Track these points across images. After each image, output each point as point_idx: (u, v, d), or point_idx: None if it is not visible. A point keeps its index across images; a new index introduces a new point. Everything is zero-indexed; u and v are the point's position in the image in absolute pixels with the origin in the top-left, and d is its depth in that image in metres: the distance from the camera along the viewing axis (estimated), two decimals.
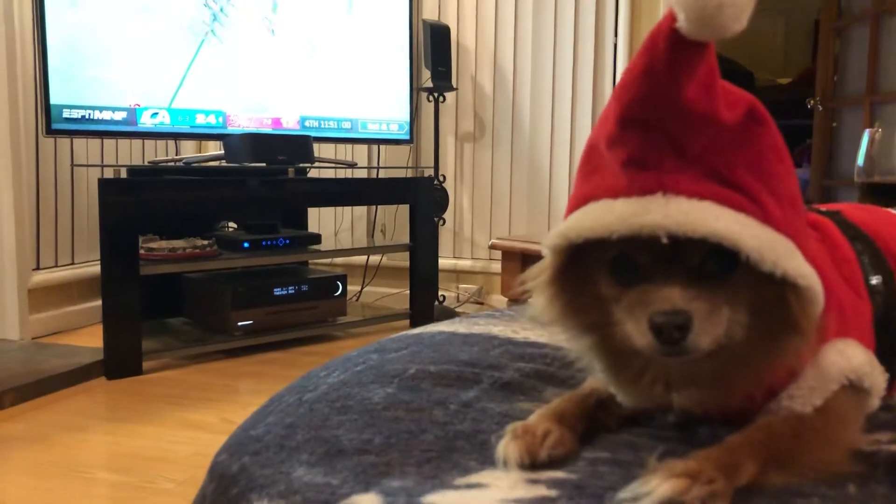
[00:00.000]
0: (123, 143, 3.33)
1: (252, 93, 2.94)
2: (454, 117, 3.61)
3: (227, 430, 0.73)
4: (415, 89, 3.39)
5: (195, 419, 2.09)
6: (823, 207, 0.80)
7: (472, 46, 3.58)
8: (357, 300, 3.66)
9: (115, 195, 2.48)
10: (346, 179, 3.58)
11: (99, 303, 2.59)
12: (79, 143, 3.11)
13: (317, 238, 3.12)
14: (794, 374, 0.61)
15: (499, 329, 1.00)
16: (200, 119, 2.81)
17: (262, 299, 2.83)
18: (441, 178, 3.46)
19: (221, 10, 2.81)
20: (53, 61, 2.47)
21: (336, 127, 3.16)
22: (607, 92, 3.38)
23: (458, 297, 3.61)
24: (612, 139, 0.57)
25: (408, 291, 3.28)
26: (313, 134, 3.03)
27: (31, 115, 2.86)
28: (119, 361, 2.48)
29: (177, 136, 3.04)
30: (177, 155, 3.47)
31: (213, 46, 2.81)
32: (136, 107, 2.66)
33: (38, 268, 2.98)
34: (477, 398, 0.73)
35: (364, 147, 3.63)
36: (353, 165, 3.40)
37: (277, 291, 2.87)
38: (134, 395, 2.32)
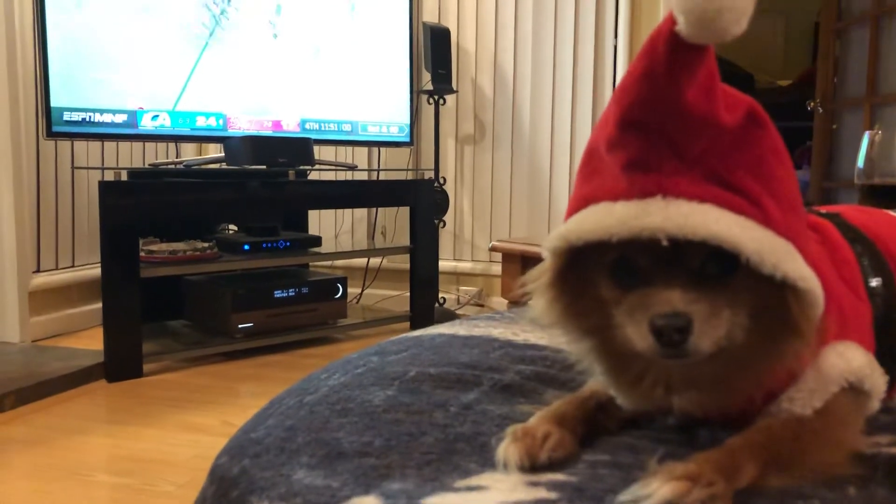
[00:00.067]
0: (124, 145, 3.33)
1: (252, 95, 2.94)
2: (454, 119, 3.62)
3: (227, 433, 0.73)
4: (415, 92, 3.39)
5: (195, 422, 2.09)
6: (823, 209, 0.80)
7: (473, 49, 3.58)
8: (357, 302, 3.66)
9: (115, 198, 2.48)
10: (346, 182, 3.58)
11: (99, 305, 2.59)
12: (79, 145, 3.11)
13: (317, 240, 3.12)
14: (794, 377, 0.61)
15: (499, 331, 1.00)
16: (201, 121, 2.81)
17: (262, 302, 2.83)
18: (441, 181, 3.46)
19: (223, 12, 2.82)
20: (54, 64, 2.47)
21: (336, 129, 3.16)
22: (607, 94, 3.38)
23: (458, 300, 3.61)
24: (612, 142, 0.57)
25: (408, 294, 3.28)
26: (314, 136, 3.04)
27: (31, 118, 2.86)
28: (119, 364, 2.48)
29: (177, 139, 3.04)
30: (177, 157, 3.47)
31: (214, 49, 2.81)
32: (139, 109, 2.66)
33: (38, 270, 2.98)
34: (477, 400, 0.73)
35: (364, 149, 3.63)
36: (353, 168, 3.40)
37: (278, 294, 2.87)
38: (134, 398, 2.32)
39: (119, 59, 2.64)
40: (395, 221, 3.64)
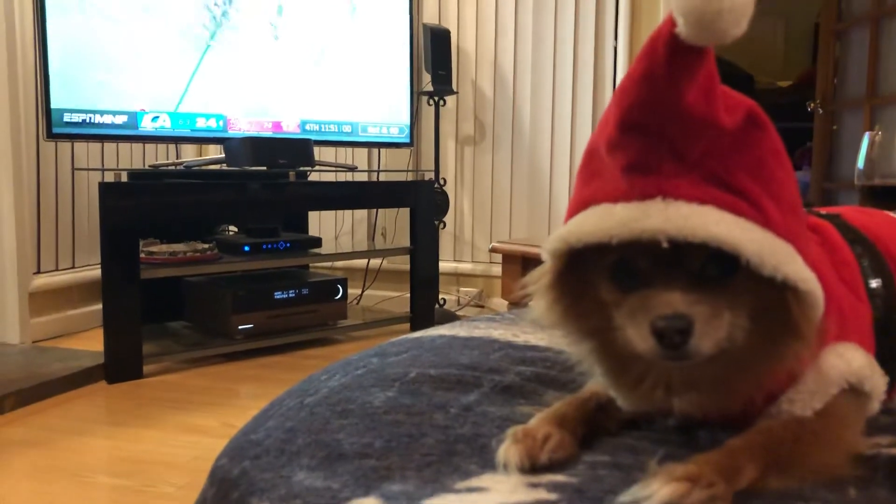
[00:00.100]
0: (124, 146, 3.33)
1: (253, 96, 2.94)
2: (454, 121, 3.62)
3: (227, 434, 0.73)
4: (415, 93, 3.39)
5: (196, 423, 2.09)
6: (823, 210, 0.80)
7: (473, 50, 3.58)
8: (358, 303, 3.66)
9: (115, 199, 2.48)
10: (346, 183, 3.58)
11: (99, 306, 2.59)
12: (79, 146, 3.11)
13: (317, 241, 3.12)
14: (795, 378, 0.61)
15: (499, 332, 1.00)
16: (201, 123, 2.81)
17: (262, 303, 2.83)
18: (441, 182, 3.46)
19: (224, 14, 2.82)
20: (54, 65, 2.47)
21: (337, 130, 3.16)
22: (607, 95, 3.38)
23: (458, 301, 3.61)
24: (612, 143, 0.57)
25: (408, 295, 3.28)
26: (314, 137, 3.04)
27: (31, 119, 2.86)
28: (120, 365, 2.48)
29: (178, 140, 3.04)
30: (177, 158, 3.47)
31: (214, 51, 2.81)
32: (140, 110, 2.66)
33: (38, 271, 2.98)
34: (477, 402, 0.73)
35: (364, 150, 3.64)
36: (353, 169, 3.40)
37: (278, 295, 2.87)
38: (134, 399, 2.32)
39: (120, 61, 2.64)
40: (396, 222, 3.64)
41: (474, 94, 3.59)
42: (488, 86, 3.57)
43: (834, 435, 0.61)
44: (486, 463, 0.60)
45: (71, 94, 2.52)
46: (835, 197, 3.55)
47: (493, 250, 2.77)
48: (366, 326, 3.17)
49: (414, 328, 3.08)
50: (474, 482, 0.58)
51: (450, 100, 3.52)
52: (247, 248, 2.86)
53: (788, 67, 5.34)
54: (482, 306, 3.60)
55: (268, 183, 2.87)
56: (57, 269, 3.07)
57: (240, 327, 2.76)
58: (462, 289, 3.63)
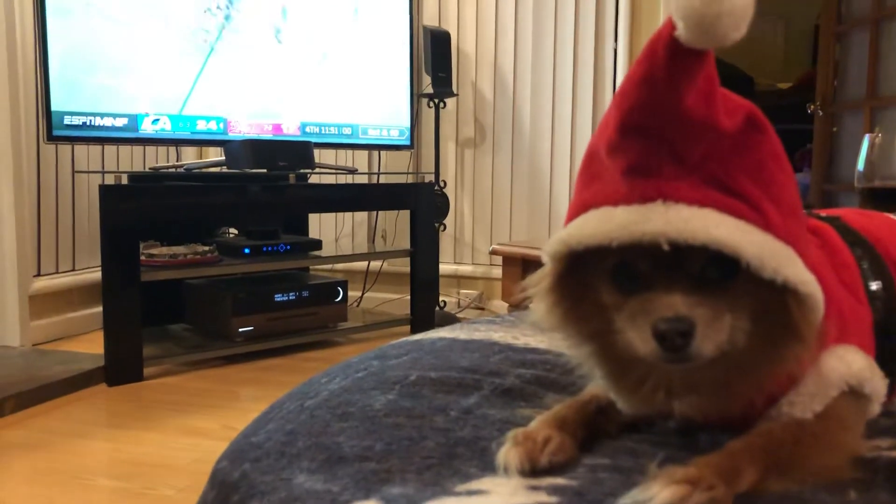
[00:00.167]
0: (124, 149, 3.33)
1: (253, 99, 2.95)
2: (455, 123, 3.62)
3: (228, 437, 0.73)
4: (415, 95, 3.39)
5: (196, 426, 2.09)
6: (823, 213, 0.80)
7: (473, 52, 3.58)
8: (358, 306, 3.66)
9: (115, 201, 2.48)
10: (346, 185, 3.58)
11: (100, 309, 2.60)
12: (80, 149, 3.11)
13: (317, 244, 3.12)
14: (795, 381, 0.61)
15: (499, 335, 1.00)
16: (201, 125, 2.82)
17: (262, 305, 2.83)
18: (442, 184, 3.46)
19: (227, 18, 2.82)
20: (54, 67, 2.47)
21: (337, 133, 3.16)
22: (607, 98, 3.38)
23: (458, 303, 3.61)
24: (612, 146, 0.57)
25: (408, 297, 3.28)
26: (314, 140, 3.04)
27: (32, 121, 2.86)
28: (120, 368, 2.48)
29: (178, 143, 3.05)
30: (177, 161, 3.47)
31: (218, 54, 2.81)
32: (140, 113, 2.66)
33: (38, 274, 2.98)
34: (478, 404, 0.73)
35: (365, 153, 3.64)
36: (353, 171, 3.40)
37: (278, 297, 2.87)
38: (135, 402, 2.32)
39: (122, 63, 2.64)
40: (396, 225, 3.64)
41: (474, 96, 3.60)
42: (488, 88, 3.57)
43: (834, 437, 0.61)
44: (487, 466, 0.60)
45: (71, 96, 2.52)
46: (835, 199, 3.55)
47: (493, 252, 2.77)
48: (366, 329, 3.17)
49: (414, 330, 3.08)
50: (474, 485, 0.57)
51: (450, 102, 3.52)
52: (247, 251, 2.86)
53: (788, 69, 5.35)
54: (482, 308, 3.60)
55: (268, 185, 2.87)
56: (57, 272, 3.07)
57: (240, 330, 2.76)
58: (462, 291, 3.63)
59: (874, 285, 0.71)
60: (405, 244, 3.33)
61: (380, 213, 3.73)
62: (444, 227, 3.50)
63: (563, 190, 3.46)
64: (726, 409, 0.61)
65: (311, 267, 3.40)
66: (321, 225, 3.71)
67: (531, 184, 3.53)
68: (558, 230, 0.60)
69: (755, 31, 0.53)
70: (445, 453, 0.63)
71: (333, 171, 3.40)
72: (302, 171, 2.99)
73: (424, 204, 3.24)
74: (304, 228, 3.48)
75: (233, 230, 3.31)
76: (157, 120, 2.71)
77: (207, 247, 2.78)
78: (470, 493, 0.56)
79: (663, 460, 0.58)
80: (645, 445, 0.64)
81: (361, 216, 3.77)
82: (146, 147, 3.40)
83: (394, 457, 0.62)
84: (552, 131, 3.48)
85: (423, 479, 0.59)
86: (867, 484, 0.57)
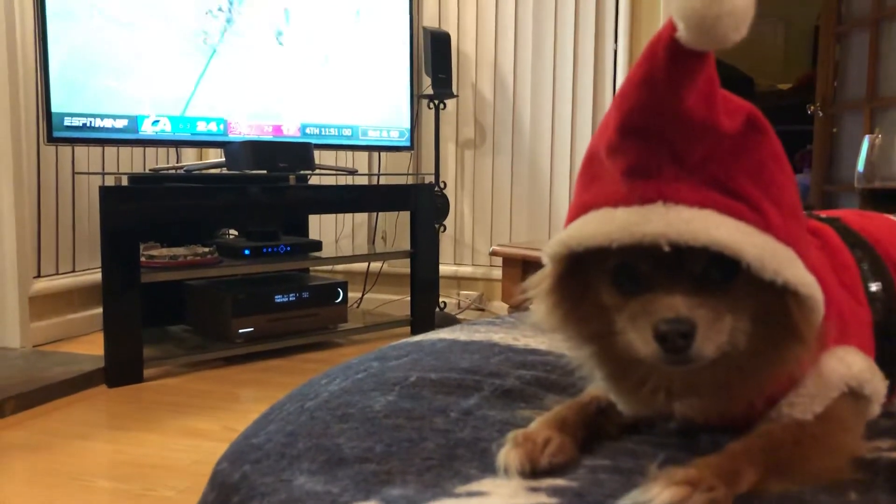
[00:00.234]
0: (124, 150, 3.33)
1: (253, 100, 2.95)
2: (455, 124, 3.62)
3: (228, 438, 0.73)
4: (415, 96, 3.39)
5: (196, 427, 2.09)
6: (823, 214, 0.80)
7: (473, 53, 3.58)
8: (358, 307, 3.66)
9: (115, 203, 2.49)
10: (346, 186, 3.58)
11: (100, 310, 2.60)
12: (80, 150, 3.12)
13: (317, 245, 3.13)
14: (795, 382, 0.61)
15: (500, 336, 1.00)
16: (202, 126, 2.82)
17: (262, 306, 2.83)
18: (442, 185, 3.46)
19: (229, 20, 2.82)
20: (54, 69, 2.47)
21: (337, 134, 3.16)
22: (607, 99, 3.38)
23: (458, 304, 3.61)
24: (612, 147, 0.57)
25: (408, 298, 3.28)
26: (314, 141, 3.04)
27: (32, 123, 2.86)
28: (120, 369, 2.48)
29: (178, 144, 3.05)
30: (178, 162, 3.48)
31: (220, 56, 2.81)
32: (141, 115, 2.66)
33: (38, 275, 2.98)
34: (478, 406, 0.73)
35: (365, 154, 3.64)
36: (353, 172, 3.40)
37: (278, 298, 2.87)
38: (135, 403, 2.32)
39: (122, 65, 2.64)
40: (396, 226, 3.64)
41: (474, 98, 3.60)
42: (488, 89, 3.57)
43: (834, 439, 0.61)
44: (487, 467, 0.60)
45: (71, 97, 2.53)
46: (835, 200, 3.55)
47: (493, 254, 2.77)
48: (366, 330, 3.17)
49: (414, 332, 3.08)
50: (475, 486, 0.57)
51: (450, 103, 3.52)
52: (247, 252, 2.86)
53: (788, 70, 5.35)
54: (482, 310, 3.60)
55: (268, 186, 2.87)
56: (57, 273, 3.07)
57: (240, 331, 2.76)
58: (462, 292, 3.63)
59: (874, 286, 0.71)
60: (405, 245, 3.33)
61: (380, 214, 3.73)
62: (445, 229, 3.50)
63: (563, 191, 3.46)
64: (727, 411, 0.61)
65: (311, 268, 3.40)
66: (321, 226, 3.71)
67: (531, 185, 3.53)
68: (558, 231, 0.60)
69: (755, 33, 0.53)
70: (445, 454, 0.63)
71: (333, 172, 3.40)
72: (302, 172, 2.99)
73: (424, 205, 3.24)
74: (304, 230, 3.48)
75: (233, 231, 3.31)
76: (158, 121, 2.71)
77: (207, 248, 2.78)
78: (470, 494, 0.56)
79: (664, 461, 0.58)
80: (645, 446, 0.64)
81: (361, 217, 3.77)
82: (146, 148, 3.40)
83: (394, 458, 0.62)
84: (552, 132, 3.48)
85: (424, 481, 0.59)
86: (867, 485, 0.57)
